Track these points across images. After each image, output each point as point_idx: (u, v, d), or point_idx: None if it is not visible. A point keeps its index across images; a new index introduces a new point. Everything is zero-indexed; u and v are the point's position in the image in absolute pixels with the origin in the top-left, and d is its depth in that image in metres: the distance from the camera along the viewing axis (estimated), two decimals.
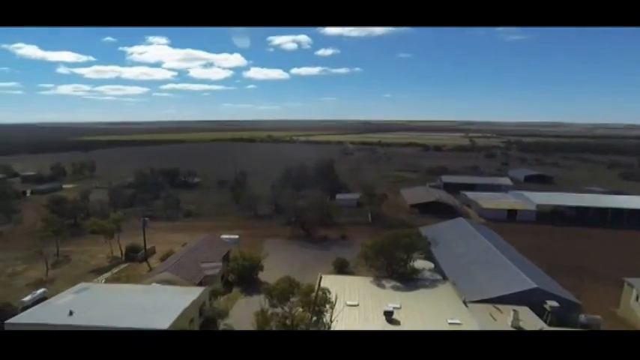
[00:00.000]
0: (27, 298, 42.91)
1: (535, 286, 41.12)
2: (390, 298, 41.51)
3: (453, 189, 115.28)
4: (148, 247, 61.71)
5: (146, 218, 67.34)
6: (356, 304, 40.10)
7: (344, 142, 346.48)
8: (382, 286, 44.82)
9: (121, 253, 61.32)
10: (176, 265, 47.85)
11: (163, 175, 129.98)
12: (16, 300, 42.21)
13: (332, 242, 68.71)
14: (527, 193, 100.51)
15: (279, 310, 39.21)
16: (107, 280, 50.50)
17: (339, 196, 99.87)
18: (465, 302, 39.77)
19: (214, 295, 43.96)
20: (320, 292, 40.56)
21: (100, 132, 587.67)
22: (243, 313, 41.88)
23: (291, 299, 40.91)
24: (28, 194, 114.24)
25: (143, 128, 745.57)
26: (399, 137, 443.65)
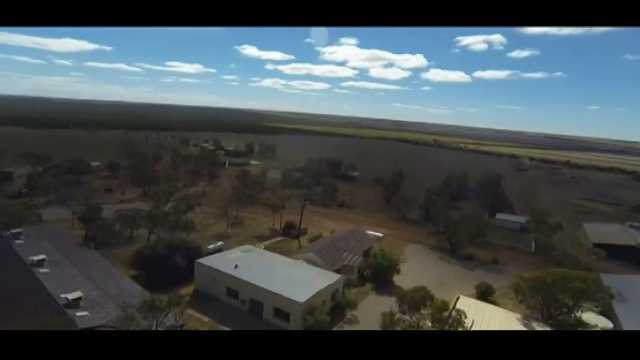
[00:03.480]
0: (210, 247, 54.44)
1: None
2: None
3: None
4: (302, 227, 69.27)
5: (306, 201, 75.30)
6: None
7: (519, 156, 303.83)
8: (532, 329, 38.46)
9: (280, 227, 70.78)
10: (321, 249, 52.27)
11: (327, 165, 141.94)
12: (204, 245, 54.07)
13: (479, 263, 62.29)
14: None
15: (407, 317, 38.61)
16: (265, 248, 59.26)
17: (499, 216, 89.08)
18: None
19: (348, 285, 46.21)
20: (454, 313, 37.96)
21: (285, 120, 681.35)
22: (370, 310, 42.80)
23: (422, 311, 39.63)
24: (226, 165, 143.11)
25: (320, 120, 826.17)
26: (597, 159, 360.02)
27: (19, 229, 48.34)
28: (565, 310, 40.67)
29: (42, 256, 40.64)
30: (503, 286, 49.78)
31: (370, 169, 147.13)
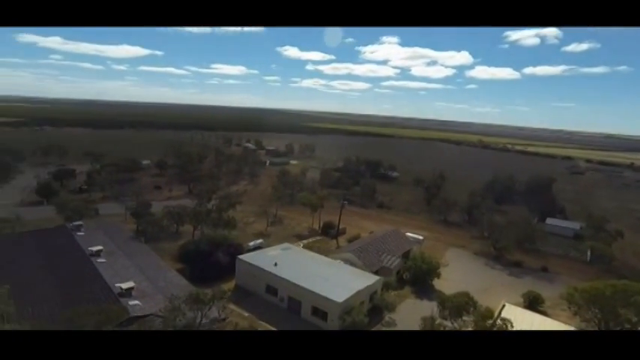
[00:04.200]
0: (251, 244, 55.96)
1: None
2: None
3: None
4: (340, 227, 69.21)
5: (345, 202, 75.19)
6: None
7: (574, 157, 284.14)
8: None
9: (319, 227, 71.20)
10: (359, 249, 51.94)
11: (366, 165, 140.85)
12: (244, 242, 55.62)
13: (527, 271, 58.86)
14: None
15: (448, 323, 37.46)
16: (304, 246, 59.86)
17: (550, 221, 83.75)
18: None
19: (386, 287, 45.59)
20: (499, 322, 36.32)
21: (325, 120, 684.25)
22: (409, 313, 41.99)
23: (464, 317, 38.28)
24: (267, 164, 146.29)
25: (360, 120, 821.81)
26: None
27: (80, 222, 52.58)
28: (627, 325, 37.46)
29: (99, 247, 43.90)
30: (554, 295, 46.77)
31: (410, 170, 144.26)
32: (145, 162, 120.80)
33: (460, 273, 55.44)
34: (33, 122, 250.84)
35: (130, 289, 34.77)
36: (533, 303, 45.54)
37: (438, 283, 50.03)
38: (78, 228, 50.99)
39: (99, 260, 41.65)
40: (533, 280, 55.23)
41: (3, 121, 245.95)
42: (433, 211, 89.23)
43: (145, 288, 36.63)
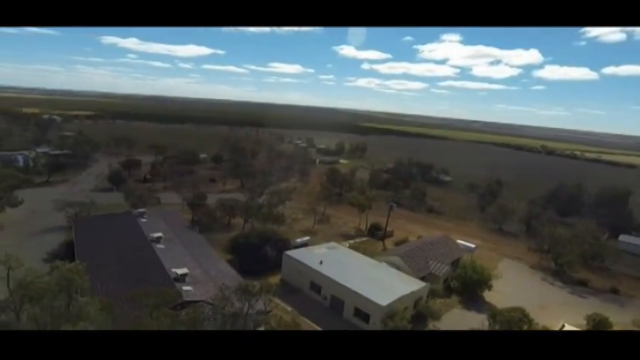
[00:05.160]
0: (298, 240, 56.95)
1: None
2: None
3: None
4: (387, 229, 68.17)
5: (393, 204, 73.90)
6: None
7: None
8: None
9: (365, 228, 70.69)
10: (407, 254, 50.80)
11: (418, 168, 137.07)
12: (292, 238, 56.75)
13: (593, 291, 53.71)
14: None
15: None
16: (350, 246, 59.70)
17: (623, 238, 75.82)
18: None
19: (432, 294, 44.22)
20: None
21: (377, 120, 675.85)
22: (454, 324, 40.38)
23: None
24: (317, 162, 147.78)
25: (414, 121, 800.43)
26: None
27: (143, 209, 57.03)
28: None
29: (159, 234, 47.30)
30: (625, 321, 42.46)
31: (464, 175, 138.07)
32: (202, 156, 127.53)
33: (514, 286, 52.15)
34: (107, 116, 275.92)
35: (184, 275, 37.11)
36: (598, 327, 41.26)
37: (488, 295, 47.58)
38: (141, 215, 55.34)
39: (158, 246, 44.90)
40: (600, 301, 50.42)
41: (84, 114, 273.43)
42: (487, 219, 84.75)
43: (197, 275, 38.88)
